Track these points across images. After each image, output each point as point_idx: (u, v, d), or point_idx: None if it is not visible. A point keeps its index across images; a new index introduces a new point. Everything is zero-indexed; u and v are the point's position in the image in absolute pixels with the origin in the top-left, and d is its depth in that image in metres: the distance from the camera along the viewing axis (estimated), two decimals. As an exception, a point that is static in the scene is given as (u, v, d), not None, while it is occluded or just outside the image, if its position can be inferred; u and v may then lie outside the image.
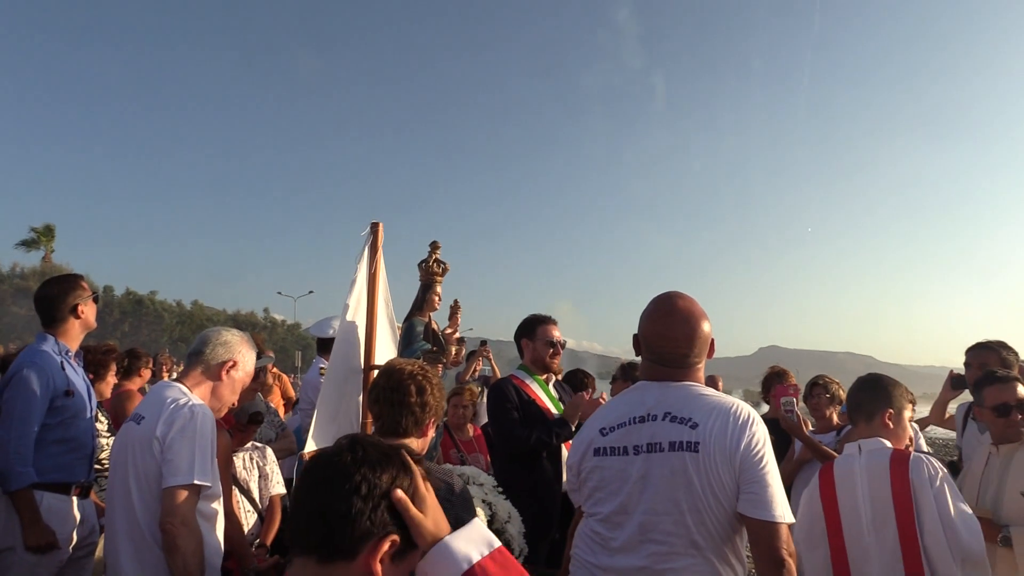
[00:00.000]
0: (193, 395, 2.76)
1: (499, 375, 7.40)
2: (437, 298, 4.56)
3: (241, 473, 3.81)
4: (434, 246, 4.53)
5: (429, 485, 1.36)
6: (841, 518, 2.77)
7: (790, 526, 2.07)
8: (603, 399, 4.20)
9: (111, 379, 4.71)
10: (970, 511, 2.67)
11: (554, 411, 4.19)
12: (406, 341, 4.38)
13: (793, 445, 4.62)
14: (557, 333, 4.34)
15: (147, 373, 5.29)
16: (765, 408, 5.52)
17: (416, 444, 2.45)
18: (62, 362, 3.37)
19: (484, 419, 5.63)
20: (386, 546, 1.23)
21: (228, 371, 2.88)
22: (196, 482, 2.58)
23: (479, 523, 1.40)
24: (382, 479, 1.26)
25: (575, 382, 5.47)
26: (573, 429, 4.00)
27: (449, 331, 4.78)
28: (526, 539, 3.33)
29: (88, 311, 3.53)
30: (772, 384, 5.13)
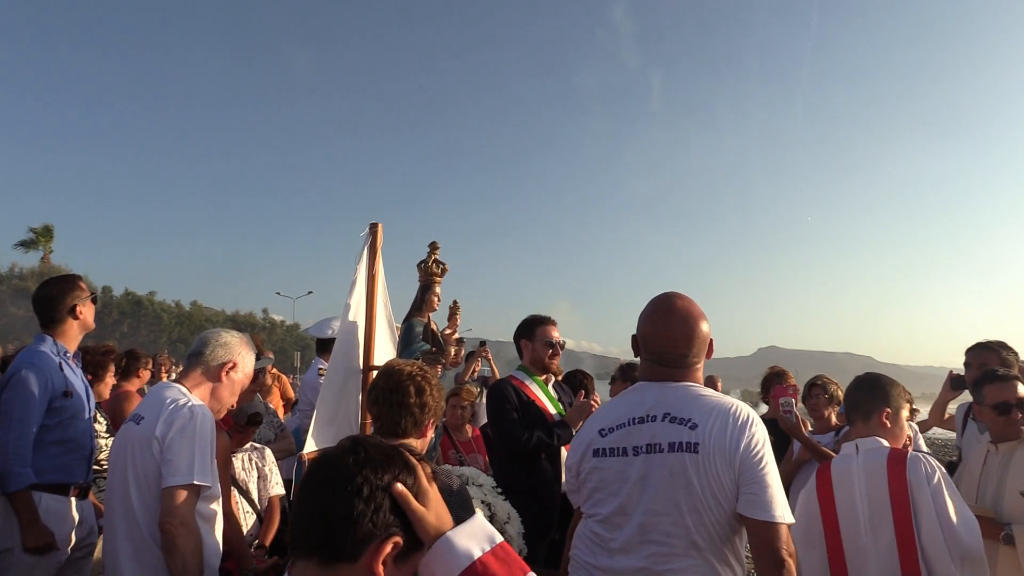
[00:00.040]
0: (193, 396, 2.77)
1: (498, 376, 7.40)
2: (436, 299, 4.56)
3: (240, 474, 3.81)
4: (433, 247, 4.53)
5: (433, 483, 1.35)
6: (838, 518, 2.77)
7: (790, 526, 2.07)
8: (595, 401, 4.20)
9: (110, 380, 4.70)
10: (968, 510, 2.67)
11: (553, 412, 4.19)
12: (405, 342, 4.38)
13: (792, 446, 4.62)
14: (556, 334, 4.34)
15: (146, 374, 5.27)
16: (763, 408, 5.52)
17: (415, 445, 2.45)
18: (60, 363, 3.37)
19: (483, 420, 5.63)
20: (388, 548, 1.22)
21: (228, 372, 2.89)
22: (196, 482, 2.58)
23: (481, 518, 1.39)
24: (384, 480, 1.25)
25: (575, 383, 5.47)
26: (574, 433, 3.99)
27: (448, 332, 4.78)
28: (525, 540, 3.32)
29: (86, 312, 3.52)
30: (771, 385, 5.14)
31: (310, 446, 3.42)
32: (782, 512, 2.02)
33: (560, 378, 5.10)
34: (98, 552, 3.48)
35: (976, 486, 3.32)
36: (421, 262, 4.53)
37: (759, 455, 2.06)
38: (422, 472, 1.32)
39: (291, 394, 7.47)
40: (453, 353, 4.69)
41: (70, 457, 3.34)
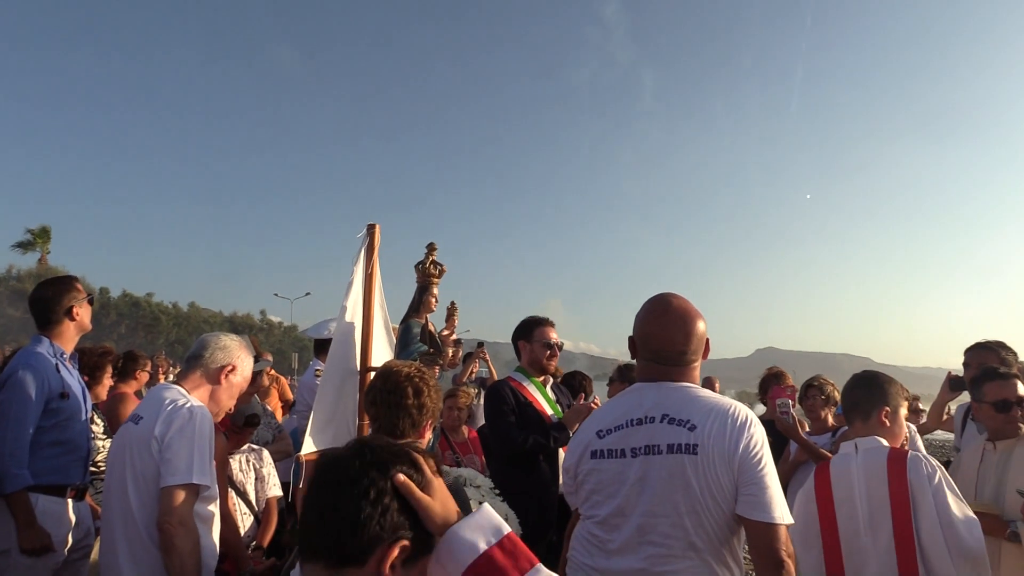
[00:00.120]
0: (192, 397, 2.77)
1: (496, 377, 7.39)
2: (434, 300, 4.55)
3: (237, 475, 3.81)
4: (431, 248, 4.53)
5: (439, 475, 1.34)
6: (837, 517, 2.76)
7: (789, 527, 2.07)
8: (595, 404, 4.20)
9: (107, 381, 4.69)
10: (969, 510, 2.65)
11: (551, 413, 4.19)
12: (403, 343, 4.38)
13: (789, 447, 4.62)
14: (554, 335, 4.33)
15: (144, 376, 5.25)
16: (760, 409, 5.52)
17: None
18: (57, 364, 3.36)
19: (481, 421, 5.62)
20: (396, 551, 1.21)
21: (227, 375, 2.90)
22: (194, 482, 2.59)
23: (488, 509, 1.37)
24: (390, 483, 1.24)
25: (574, 384, 5.47)
26: (571, 434, 3.99)
27: (446, 333, 4.78)
28: (523, 541, 3.32)
29: (83, 313, 3.52)
30: (770, 385, 5.14)
31: (308, 447, 3.41)
32: (781, 513, 2.02)
33: (560, 379, 5.10)
34: (95, 554, 3.47)
35: (974, 484, 3.32)
36: (419, 263, 4.53)
37: (758, 456, 2.06)
38: (427, 465, 1.31)
39: (290, 395, 7.46)
40: (451, 354, 4.69)
41: (67, 459, 3.33)
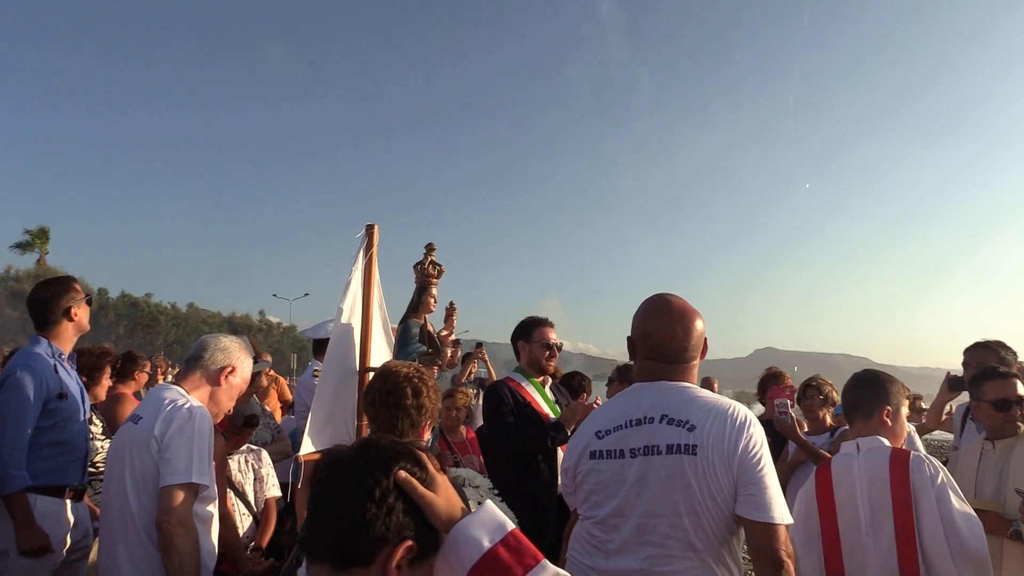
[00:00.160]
0: (192, 398, 2.78)
1: (495, 377, 7.39)
2: (433, 300, 4.55)
3: (236, 476, 3.81)
4: (429, 248, 4.53)
5: (442, 472, 1.33)
6: (838, 517, 2.74)
7: (789, 527, 2.07)
8: (597, 403, 4.20)
9: (106, 382, 4.68)
10: (972, 511, 2.63)
11: (549, 414, 4.19)
12: (401, 343, 4.37)
13: (787, 447, 4.63)
14: (553, 336, 4.34)
15: (143, 377, 5.23)
16: (758, 409, 5.53)
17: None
18: (55, 364, 3.36)
19: (480, 422, 5.62)
20: (402, 551, 1.20)
21: (227, 377, 2.91)
22: (194, 481, 2.59)
23: (492, 507, 1.35)
24: (394, 482, 1.23)
25: (573, 385, 5.47)
26: (569, 433, 3.99)
27: (445, 333, 4.78)
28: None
29: (81, 313, 3.52)
30: (768, 386, 5.14)
31: (306, 448, 3.41)
32: (781, 513, 2.02)
33: (559, 379, 5.09)
34: (93, 555, 3.47)
35: (973, 483, 3.31)
36: (417, 263, 4.53)
37: (757, 456, 2.06)
38: (431, 462, 1.31)
39: (289, 396, 7.46)
40: (449, 354, 4.69)
41: (65, 459, 3.33)
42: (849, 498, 2.74)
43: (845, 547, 2.70)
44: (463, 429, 5.44)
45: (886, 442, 2.80)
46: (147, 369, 5.34)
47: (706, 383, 9.72)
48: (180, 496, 2.56)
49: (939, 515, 2.56)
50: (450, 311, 4.81)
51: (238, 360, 2.95)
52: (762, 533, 2.01)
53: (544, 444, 3.98)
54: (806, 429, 4.73)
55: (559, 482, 3.96)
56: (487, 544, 1.27)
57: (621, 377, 5.64)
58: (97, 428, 4.20)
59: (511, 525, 1.32)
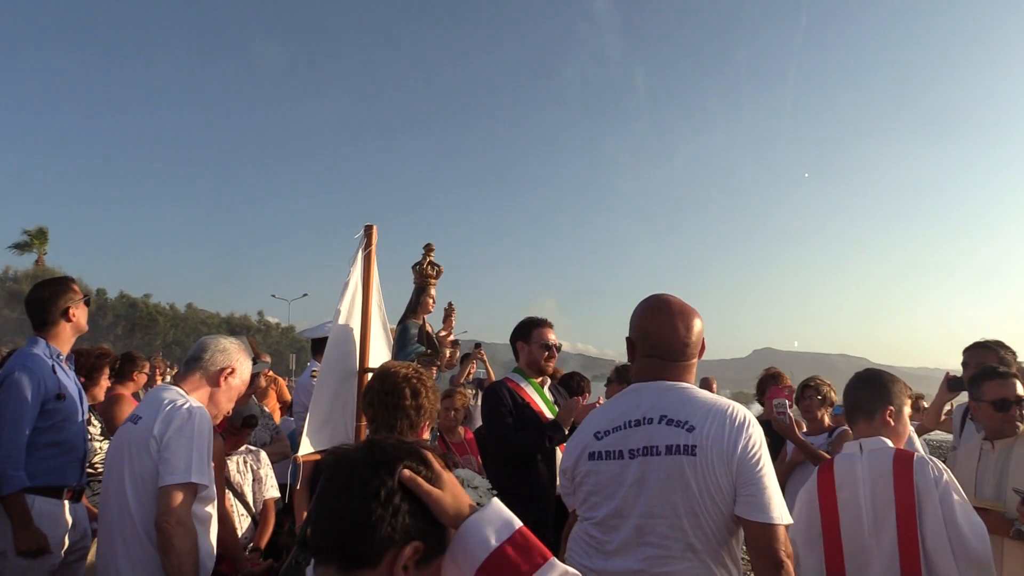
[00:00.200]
0: (191, 398, 2.78)
1: (494, 378, 7.39)
2: (431, 300, 4.55)
3: (235, 477, 3.80)
4: (428, 248, 4.53)
5: (448, 469, 1.33)
6: (840, 518, 2.72)
7: (789, 527, 2.06)
8: (600, 402, 4.19)
9: (104, 383, 4.68)
10: (975, 514, 2.60)
11: (548, 414, 4.19)
12: (400, 343, 4.37)
13: (785, 447, 4.63)
14: (552, 336, 4.34)
15: (142, 378, 5.22)
16: (756, 409, 5.53)
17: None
18: (53, 365, 3.36)
19: (479, 422, 5.62)
20: (409, 552, 1.20)
21: (226, 378, 2.92)
22: (193, 481, 2.59)
23: (498, 504, 1.35)
24: (399, 482, 1.23)
25: (571, 386, 5.47)
26: (566, 432, 3.99)
27: (443, 333, 4.78)
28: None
29: (79, 314, 3.51)
30: (767, 386, 5.14)
31: (305, 448, 3.41)
32: (780, 513, 2.02)
33: (558, 380, 5.09)
34: (91, 556, 3.47)
35: (972, 484, 3.30)
36: (416, 264, 4.52)
37: (756, 457, 2.06)
38: (436, 460, 1.31)
39: (288, 397, 7.45)
40: (448, 355, 4.69)
41: (63, 460, 3.33)
42: (852, 499, 2.72)
43: (847, 548, 2.68)
44: (461, 430, 5.44)
45: (889, 443, 2.77)
46: (146, 370, 5.33)
47: (704, 383, 9.73)
48: (179, 496, 2.56)
49: (943, 517, 2.53)
50: (449, 312, 4.81)
51: (237, 362, 2.96)
52: (761, 533, 2.01)
53: (542, 444, 3.98)
54: (804, 429, 4.73)
55: (558, 483, 3.97)
56: (495, 542, 1.27)
57: (620, 378, 5.64)
58: (96, 429, 4.20)
59: (518, 523, 1.32)
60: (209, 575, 2.73)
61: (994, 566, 2.60)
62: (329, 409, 3.58)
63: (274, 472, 4.13)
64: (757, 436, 2.10)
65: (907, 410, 2.91)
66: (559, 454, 4.02)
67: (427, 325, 4.58)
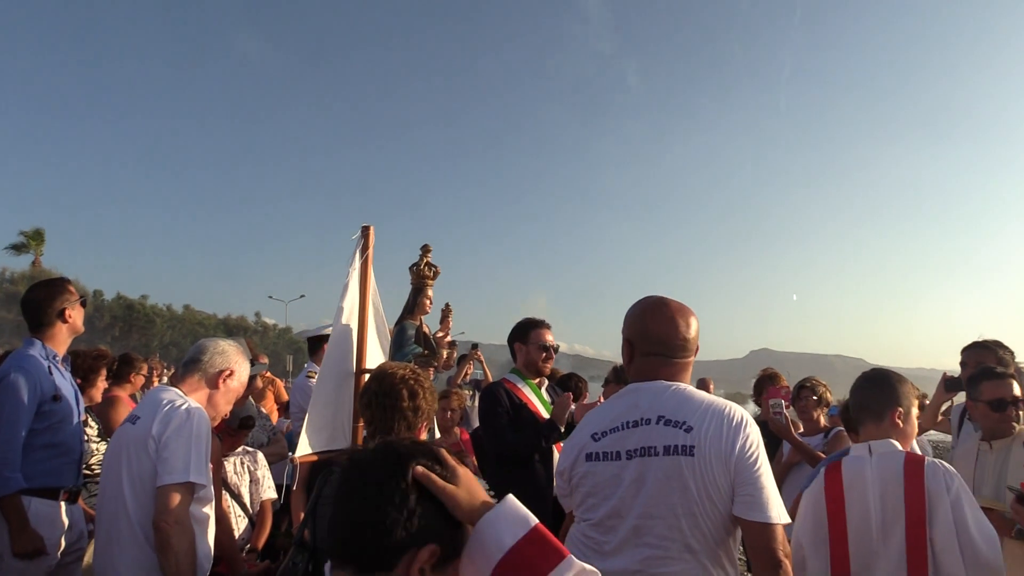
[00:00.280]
0: (190, 399, 2.78)
1: (491, 379, 7.39)
2: (428, 301, 4.55)
3: (232, 478, 3.80)
4: (425, 249, 4.53)
5: (462, 464, 1.32)
6: (847, 521, 2.66)
7: (787, 526, 2.07)
8: (600, 401, 4.19)
9: (101, 384, 4.67)
10: (987, 520, 2.54)
11: (545, 415, 4.19)
12: (397, 344, 4.37)
13: (782, 447, 4.64)
14: (550, 337, 4.34)
15: (139, 380, 5.21)
16: (751, 409, 5.54)
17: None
18: (49, 367, 3.35)
19: (476, 423, 5.62)
20: (425, 556, 1.19)
21: (225, 380, 2.92)
22: (191, 480, 2.59)
23: (513, 500, 1.34)
24: (412, 482, 1.22)
25: (569, 387, 5.47)
26: (562, 430, 3.99)
27: (440, 334, 4.78)
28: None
29: (75, 315, 3.51)
30: (764, 387, 5.15)
31: (303, 449, 3.41)
32: (778, 513, 2.02)
33: (556, 380, 5.08)
34: (88, 557, 3.46)
35: (971, 484, 3.29)
36: (413, 265, 4.52)
37: (754, 456, 2.06)
38: (449, 456, 1.30)
39: (286, 397, 7.45)
40: (445, 356, 4.69)
41: (59, 461, 3.32)
42: (860, 502, 2.65)
43: (853, 551, 2.63)
44: (457, 430, 5.45)
45: (899, 446, 2.70)
46: (144, 372, 5.31)
47: (702, 384, 9.73)
48: (177, 496, 2.56)
49: (954, 523, 2.47)
50: (446, 313, 4.82)
51: (236, 364, 2.96)
52: (760, 533, 2.01)
53: (539, 444, 3.98)
54: (801, 430, 4.74)
55: (555, 484, 3.97)
56: (510, 541, 1.26)
57: (618, 378, 5.64)
58: (93, 431, 4.19)
59: (534, 519, 1.31)
60: (206, 576, 2.73)
61: (1004, 572, 2.54)
62: (328, 410, 3.58)
63: (272, 473, 4.13)
64: (755, 436, 2.10)
65: (915, 411, 2.83)
66: (556, 455, 4.02)
67: (424, 326, 4.58)
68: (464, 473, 1.30)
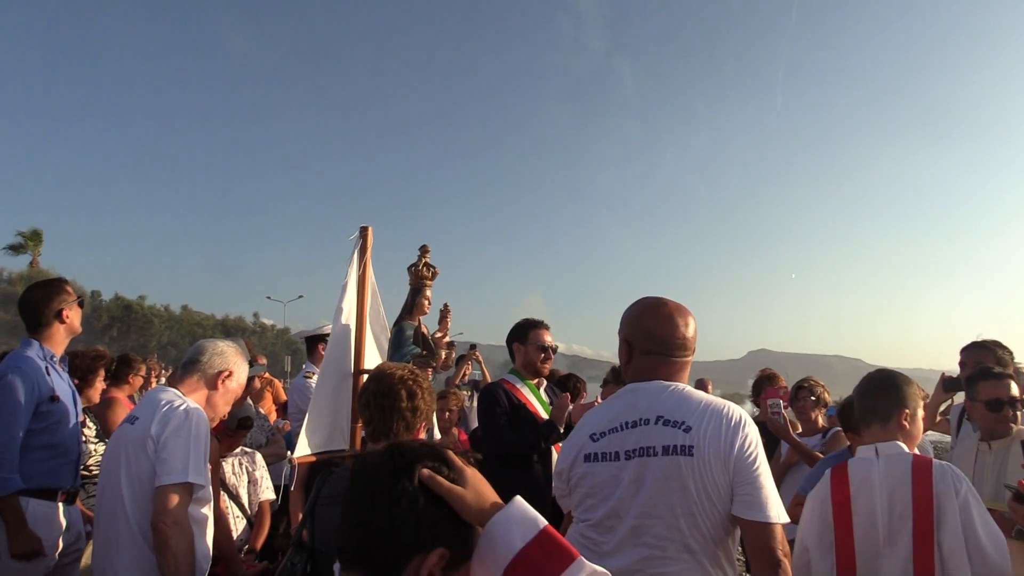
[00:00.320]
0: (188, 399, 2.78)
1: (489, 379, 7.38)
2: (427, 302, 4.55)
3: (230, 479, 3.80)
4: (423, 250, 4.52)
5: (469, 464, 1.32)
6: (853, 523, 2.63)
7: (786, 527, 2.07)
8: (598, 401, 4.19)
9: (99, 385, 4.66)
10: (995, 524, 2.52)
11: (544, 415, 4.19)
12: (396, 345, 4.37)
13: (780, 448, 4.64)
14: (549, 338, 4.34)
15: (138, 381, 5.20)
16: (749, 409, 5.54)
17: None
18: (47, 367, 3.35)
19: (474, 423, 5.62)
20: (434, 559, 1.19)
21: (223, 381, 2.93)
22: (190, 480, 2.59)
23: (521, 502, 1.33)
24: (419, 485, 1.22)
25: (568, 387, 5.47)
26: (561, 431, 3.99)
27: (439, 335, 4.77)
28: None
29: (73, 316, 3.50)
30: (763, 387, 5.16)
31: (301, 450, 3.41)
32: (777, 512, 2.02)
33: (555, 380, 5.08)
34: (86, 558, 3.46)
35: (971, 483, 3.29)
36: (412, 265, 4.52)
37: (753, 456, 2.06)
38: (456, 458, 1.30)
39: (284, 398, 7.44)
40: (444, 356, 4.68)
41: (57, 462, 3.32)
42: (867, 504, 2.63)
43: (859, 554, 2.61)
44: (455, 431, 5.45)
45: (906, 448, 2.68)
46: (142, 372, 5.30)
47: (700, 385, 9.74)
48: (176, 496, 2.57)
49: (962, 526, 2.45)
50: (444, 313, 4.81)
51: (235, 365, 2.97)
52: (759, 533, 2.01)
53: (538, 445, 3.98)
54: (799, 430, 4.75)
55: (553, 484, 3.97)
56: (520, 543, 1.25)
57: (616, 379, 5.64)
58: (91, 431, 4.18)
59: (543, 521, 1.30)
60: (204, 577, 2.72)
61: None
62: (327, 410, 3.58)
63: (270, 474, 4.12)
64: (753, 435, 2.10)
65: (920, 412, 2.81)
66: (555, 454, 4.02)
67: (423, 327, 4.57)
68: (472, 474, 1.30)
